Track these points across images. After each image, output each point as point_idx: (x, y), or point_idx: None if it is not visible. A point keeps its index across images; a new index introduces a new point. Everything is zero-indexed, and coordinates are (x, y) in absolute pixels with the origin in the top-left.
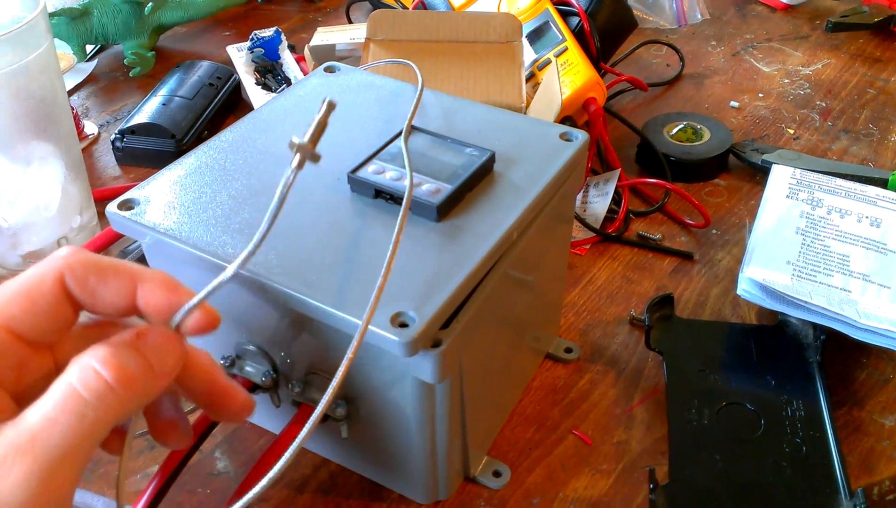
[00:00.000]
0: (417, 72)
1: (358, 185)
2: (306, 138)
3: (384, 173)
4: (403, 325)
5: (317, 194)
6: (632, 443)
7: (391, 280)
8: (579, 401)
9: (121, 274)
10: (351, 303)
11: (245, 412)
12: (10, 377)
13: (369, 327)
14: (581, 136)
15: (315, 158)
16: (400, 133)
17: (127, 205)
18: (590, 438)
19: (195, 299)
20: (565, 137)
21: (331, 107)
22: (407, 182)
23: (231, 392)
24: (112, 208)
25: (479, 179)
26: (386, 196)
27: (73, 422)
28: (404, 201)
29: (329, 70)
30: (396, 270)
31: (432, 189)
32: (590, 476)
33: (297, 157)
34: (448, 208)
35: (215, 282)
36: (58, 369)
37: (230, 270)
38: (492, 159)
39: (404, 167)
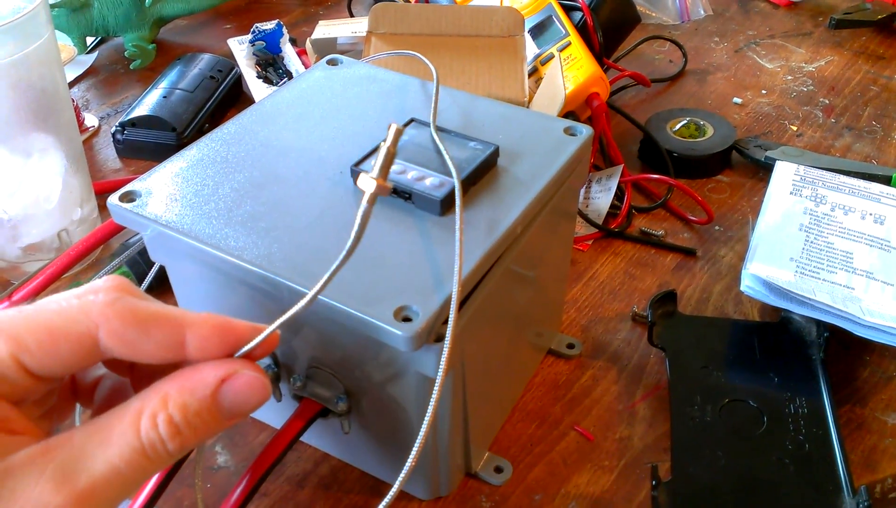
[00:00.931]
0: (430, 66)
1: None
2: (375, 172)
3: None
4: (407, 319)
5: (320, 187)
6: (634, 440)
7: (395, 274)
8: (581, 397)
9: (165, 324)
10: (353, 297)
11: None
12: (16, 396)
13: (373, 320)
14: (585, 130)
15: (385, 191)
16: (403, 126)
17: (128, 197)
18: (592, 434)
19: (267, 332)
20: (569, 132)
21: (398, 134)
22: (451, 167)
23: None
24: (113, 199)
25: (483, 174)
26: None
27: (137, 476)
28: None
29: (332, 63)
30: (400, 263)
31: (436, 183)
32: (592, 472)
33: (369, 193)
34: (452, 202)
35: (291, 311)
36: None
37: (308, 297)
38: (496, 154)
39: (407, 161)
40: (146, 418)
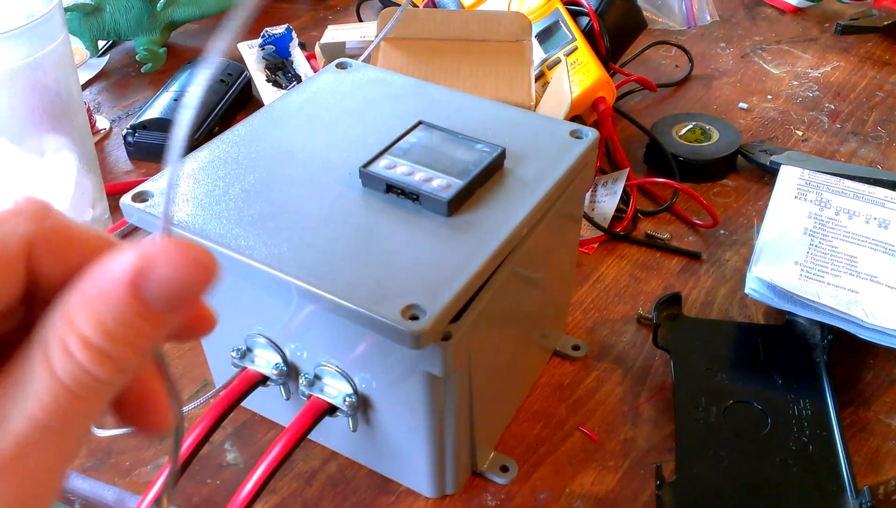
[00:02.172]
0: None
1: (369, 179)
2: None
3: (395, 168)
4: (414, 317)
5: (329, 187)
6: (638, 440)
7: (402, 273)
8: (586, 398)
9: (94, 235)
10: (361, 295)
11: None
12: None
13: (381, 318)
14: (591, 133)
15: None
16: (411, 129)
17: (141, 197)
18: (597, 435)
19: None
20: (575, 135)
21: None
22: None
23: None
24: (126, 200)
25: (490, 175)
26: (397, 191)
27: (72, 423)
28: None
29: (341, 66)
30: (408, 263)
31: (443, 184)
32: (596, 472)
33: None
34: (459, 203)
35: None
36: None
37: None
38: (502, 156)
39: (415, 162)
40: (54, 348)
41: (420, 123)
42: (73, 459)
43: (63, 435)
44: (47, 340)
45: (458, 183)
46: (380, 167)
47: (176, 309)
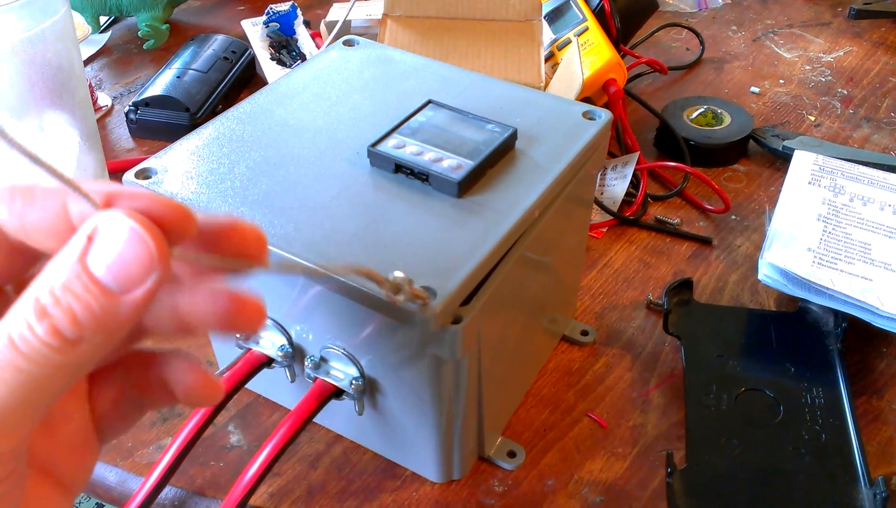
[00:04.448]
0: None
1: (378, 159)
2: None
3: (404, 148)
4: None
5: (336, 167)
6: (648, 427)
7: (413, 255)
8: (595, 384)
9: (48, 190)
10: None
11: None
12: None
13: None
14: (604, 115)
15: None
16: (420, 108)
17: (144, 174)
18: (605, 421)
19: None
20: (588, 116)
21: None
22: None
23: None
24: (129, 177)
25: (501, 156)
26: (406, 171)
27: (9, 377)
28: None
29: (348, 44)
30: (418, 245)
31: (454, 165)
32: (605, 458)
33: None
34: (469, 184)
35: None
36: None
37: None
38: (514, 136)
39: (425, 142)
40: (14, 312)
41: (429, 102)
42: (28, 428)
43: (20, 402)
44: (14, 306)
45: (468, 164)
46: (388, 147)
47: (126, 288)
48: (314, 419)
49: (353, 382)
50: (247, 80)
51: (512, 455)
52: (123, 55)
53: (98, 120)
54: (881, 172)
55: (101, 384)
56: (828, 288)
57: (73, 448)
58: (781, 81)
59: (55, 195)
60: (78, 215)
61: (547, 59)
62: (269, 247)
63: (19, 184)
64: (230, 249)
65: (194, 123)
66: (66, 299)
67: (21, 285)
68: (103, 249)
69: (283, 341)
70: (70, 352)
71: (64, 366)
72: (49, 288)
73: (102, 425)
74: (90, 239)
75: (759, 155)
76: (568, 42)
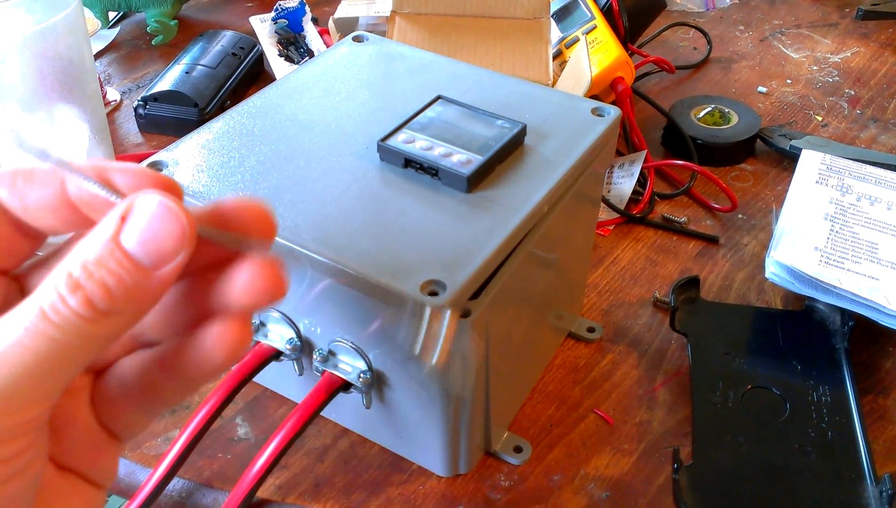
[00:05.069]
0: None
1: (387, 153)
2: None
3: (414, 143)
4: (434, 293)
5: (346, 161)
6: (654, 424)
7: (421, 249)
8: (601, 381)
9: (45, 171)
10: (381, 269)
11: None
12: None
13: (400, 292)
14: (613, 111)
15: None
16: (430, 103)
17: (156, 167)
18: (611, 417)
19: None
20: (597, 113)
21: None
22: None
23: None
24: None
25: (510, 152)
26: (416, 166)
27: (40, 345)
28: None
29: (357, 40)
30: (427, 239)
31: (463, 160)
32: (611, 454)
33: None
34: (478, 179)
35: None
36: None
37: None
38: (523, 132)
39: (434, 137)
40: (46, 284)
41: (439, 97)
42: (51, 398)
43: (47, 370)
44: (45, 280)
45: (478, 159)
46: (398, 141)
47: (157, 264)
48: (321, 413)
49: (361, 375)
50: (255, 76)
51: (518, 450)
52: (132, 51)
53: (107, 115)
54: (889, 172)
55: (107, 385)
56: (835, 287)
57: (84, 449)
58: (789, 81)
59: (54, 175)
60: (76, 191)
61: (555, 57)
62: (279, 239)
63: (21, 167)
64: (241, 226)
65: (202, 119)
66: (100, 273)
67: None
68: (136, 226)
69: (292, 334)
70: (102, 323)
71: (94, 336)
72: (82, 263)
73: (113, 424)
74: (124, 219)
75: (766, 154)
76: (576, 40)
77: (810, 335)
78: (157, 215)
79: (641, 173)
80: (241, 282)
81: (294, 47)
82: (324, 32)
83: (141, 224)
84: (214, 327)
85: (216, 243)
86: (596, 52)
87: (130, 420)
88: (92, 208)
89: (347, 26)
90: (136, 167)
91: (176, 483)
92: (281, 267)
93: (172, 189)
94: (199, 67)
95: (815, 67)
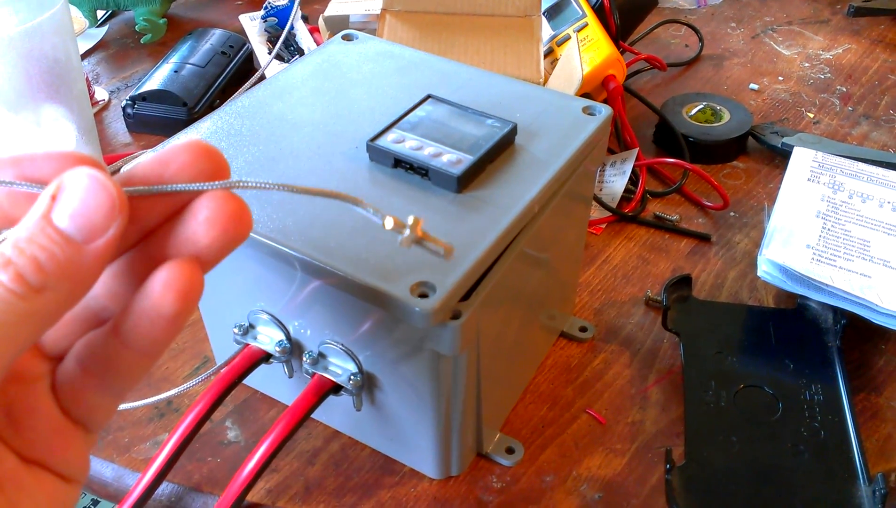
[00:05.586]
0: None
1: (377, 153)
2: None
3: (404, 143)
4: (424, 295)
5: (335, 161)
6: (646, 423)
7: (411, 250)
8: (593, 380)
9: (8, 159)
10: (370, 271)
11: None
12: None
13: (390, 295)
14: (604, 110)
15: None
16: (420, 102)
17: None
18: (604, 417)
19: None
20: (588, 111)
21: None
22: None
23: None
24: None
25: (501, 151)
26: (406, 166)
27: None
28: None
29: (347, 38)
30: None
31: (453, 160)
32: (604, 455)
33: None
34: (469, 179)
35: None
36: None
37: None
38: (513, 131)
39: (424, 137)
40: None
41: (429, 96)
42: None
43: None
44: None
45: (468, 158)
46: (388, 141)
47: (89, 237)
48: (312, 415)
49: (352, 377)
50: (244, 75)
51: (510, 451)
52: (120, 49)
53: (95, 114)
54: (880, 169)
55: (66, 369)
56: (827, 285)
57: (48, 440)
58: (780, 78)
59: (14, 164)
60: (32, 177)
61: (546, 56)
62: (268, 240)
63: None
64: (182, 172)
65: (191, 118)
66: (31, 250)
67: None
68: (67, 202)
69: (281, 336)
70: (35, 299)
71: (29, 315)
72: (13, 242)
73: (77, 410)
74: (54, 197)
75: (757, 152)
76: (567, 38)
77: (803, 333)
78: (85, 188)
79: (633, 171)
80: (200, 218)
81: (284, 45)
82: (314, 30)
83: (71, 200)
84: (160, 271)
85: (170, 196)
86: (587, 49)
87: (94, 404)
88: (17, 204)
89: (337, 24)
90: (59, 152)
91: (165, 488)
92: (242, 201)
93: (99, 167)
94: (189, 66)
95: (806, 64)
